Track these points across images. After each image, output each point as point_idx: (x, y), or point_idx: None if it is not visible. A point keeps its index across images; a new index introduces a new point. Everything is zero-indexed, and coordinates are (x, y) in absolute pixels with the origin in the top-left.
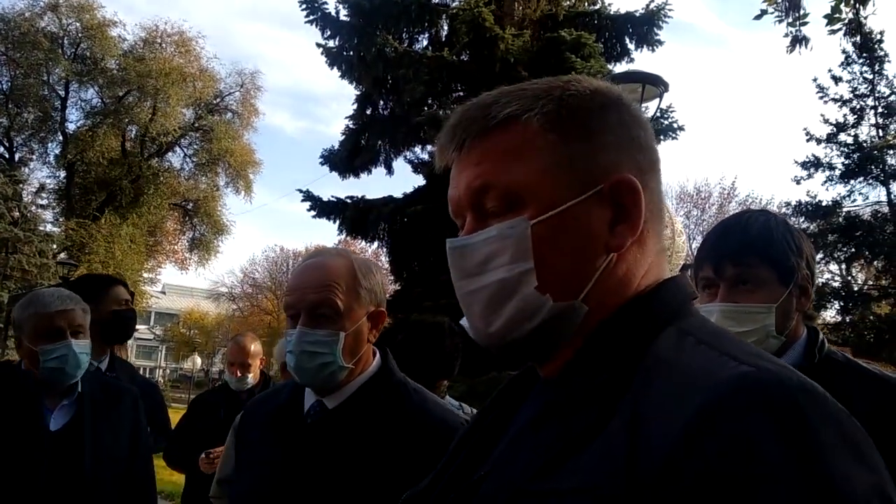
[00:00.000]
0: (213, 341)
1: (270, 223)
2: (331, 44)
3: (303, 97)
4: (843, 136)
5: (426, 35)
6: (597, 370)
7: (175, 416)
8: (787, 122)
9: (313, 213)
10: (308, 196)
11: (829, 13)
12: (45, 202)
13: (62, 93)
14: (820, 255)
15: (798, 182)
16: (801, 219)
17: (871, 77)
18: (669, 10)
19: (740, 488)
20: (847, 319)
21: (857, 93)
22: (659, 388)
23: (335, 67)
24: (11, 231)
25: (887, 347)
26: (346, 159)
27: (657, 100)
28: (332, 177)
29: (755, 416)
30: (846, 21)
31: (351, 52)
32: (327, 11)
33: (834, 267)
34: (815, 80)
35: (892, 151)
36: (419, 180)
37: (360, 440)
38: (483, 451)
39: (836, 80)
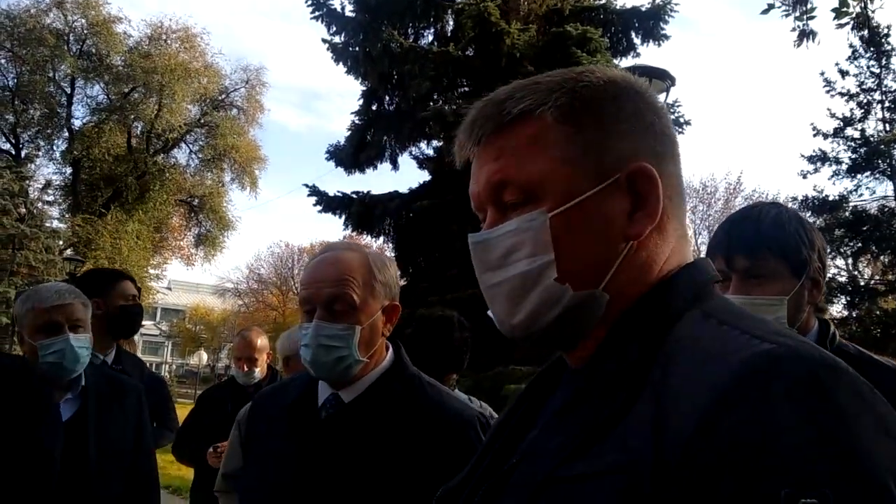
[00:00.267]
0: (219, 337)
1: (276, 219)
2: (336, 39)
3: (308, 93)
4: (849, 131)
5: (432, 30)
6: (621, 356)
7: (181, 411)
8: (793, 117)
9: (319, 208)
10: (314, 191)
11: (836, 7)
12: (51, 198)
13: (68, 89)
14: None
15: (804, 176)
16: (808, 213)
17: (878, 71)
18: (675, 4)
19: (764, 460)
20: (854, 314)
21: (864, 87)
22: (682, 369)
23: (341, 63)
24: (18, 227)
25: (894, 342)
26: (352, 155)
27: (663, 94)
28: (337, 172)
29: (778, 390)
30: (854, 15)
31: (356, 48)
32: (333, 7)
33: (840, 262)
34: (822, 74)
35: None
36: (424, 175)
37: (377, 433)
38: (514, 444)
39: (844, 74)
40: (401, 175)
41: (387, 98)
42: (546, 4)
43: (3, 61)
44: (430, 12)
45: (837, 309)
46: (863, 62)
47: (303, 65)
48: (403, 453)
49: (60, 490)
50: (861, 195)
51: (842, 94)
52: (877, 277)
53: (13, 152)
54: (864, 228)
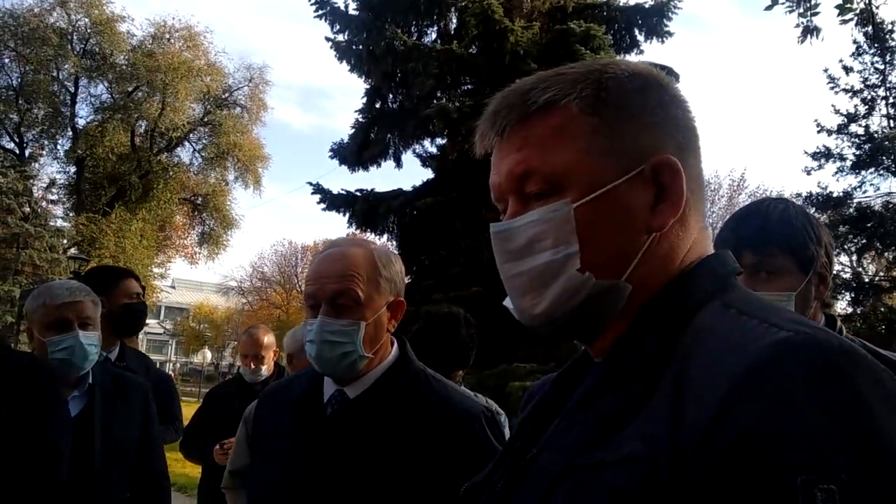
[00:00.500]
0: (223, 335)
1: (279, 217)
2: (340, 38)
3: (311, 91)
4: (854, 127)
5: (435, 28)
6: (642, 346)
7: (185, 409)
8: (797, 113)
9: (323, 206)
10: (318, 189)
11: (840, 3)
12: (55, 197)
13: (72, 88)
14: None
15: (809, 173)
16: (812, 210)
17: (882, 67)
18: (679, 0)
19: (781, 449)
20: (858, 311)
21: (868, 83)
22: (702, 360)
23: (344, 61)
24: (22, 226)
25: None
26: (356, 153)
27: None
28: (341, 170)
29: (797, 378)
30: (858, 11)
31: (360, 46)
32: (336, 6)
33: (845, 258)
34: (825, 70)
35: None
36: (428, 173)
37: (383, 429)
38: (537, 438)
39: (848, 70)
40: (404, 173)
41: (390, 96)
42: (549, 2)
43: (6, 61)
44: (433, 10)
45: (842, 306)
46: (867, 58)
47: (306, 63)
48: (409, 448)
49: (67, 486)
50: (865, 192)
51: (846, 91)
52: (881, 274)
53: (17, 151)
54: (869, 225)
